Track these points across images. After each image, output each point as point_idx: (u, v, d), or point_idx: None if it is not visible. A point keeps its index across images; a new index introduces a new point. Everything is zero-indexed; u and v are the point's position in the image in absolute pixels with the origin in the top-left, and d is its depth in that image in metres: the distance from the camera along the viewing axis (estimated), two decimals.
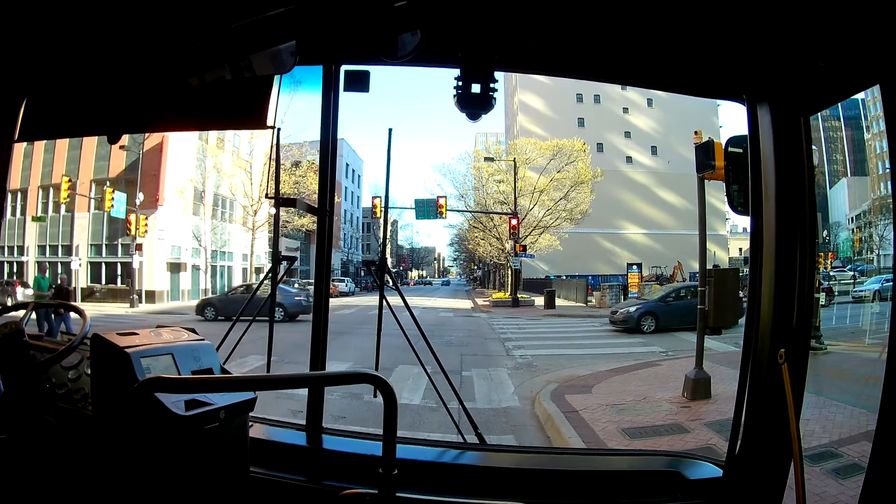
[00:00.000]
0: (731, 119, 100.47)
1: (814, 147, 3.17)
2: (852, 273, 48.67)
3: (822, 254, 39.44)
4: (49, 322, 19.37)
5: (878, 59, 2.50)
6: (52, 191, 43.90)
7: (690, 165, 14.15)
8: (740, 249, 73.35)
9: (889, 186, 78.94)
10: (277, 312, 26.82)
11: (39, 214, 44.37)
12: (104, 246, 44.45)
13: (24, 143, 31.95)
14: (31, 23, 2.70)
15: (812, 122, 3.14)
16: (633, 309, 26.48)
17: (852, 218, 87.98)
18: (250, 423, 3.34)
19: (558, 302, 42.67)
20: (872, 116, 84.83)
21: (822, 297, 24.18)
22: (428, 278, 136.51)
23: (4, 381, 2.80)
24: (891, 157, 2.44)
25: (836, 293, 34.03)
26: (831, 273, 47.78)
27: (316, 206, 3.97)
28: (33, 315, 3.71)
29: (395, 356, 10.97)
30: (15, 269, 44.55)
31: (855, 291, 34.87)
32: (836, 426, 8.95)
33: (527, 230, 51.90)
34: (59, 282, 22.64)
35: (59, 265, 44.67)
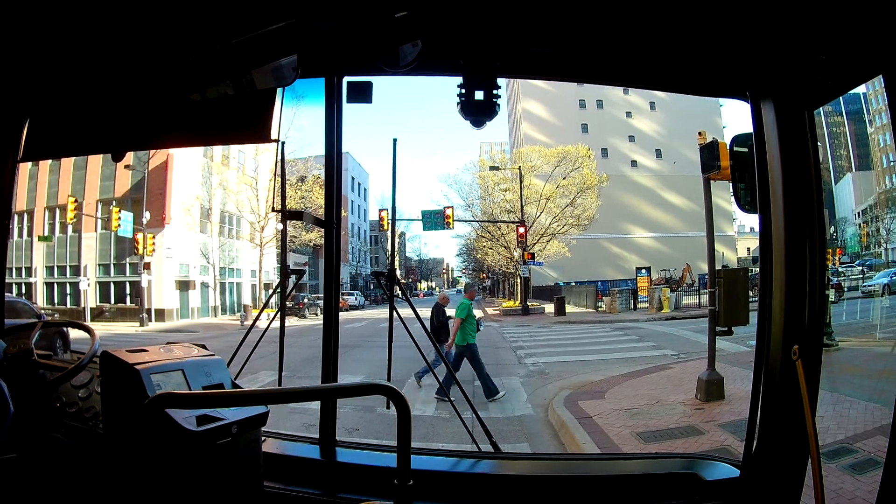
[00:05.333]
0: (734, 119, 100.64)
1: (818, 143, 3.16)
2: (861, 268, 48.55)
3: (829, 250, 39.36)
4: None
5: (881, 49, 2.50)
6: (58, 211, 44.09)
7: (695, 167, 14.14)
8: (748, 249, 73.26)
9: (895, 179, 78.98)
10: None
11: (46, 234, 44.44)
12: (112, 265, 44.54)
13: (29, 164, 32.07)
14: (32, 42, 2.71)
15: (815, 117, 3.13)
16: None
17: (859, 213, 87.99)
18: (263, 438, 3.33)
19: (568, 308, 42.60)
20: (875, 110, 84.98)
21: (831, 293, 24.10)
22: (437, 290, 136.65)
23: (14, 401, 2.79)
24: None
25: (846, 289, 33.97)
26: (840, 269, 47.67)
27: (322, 219, 3.96)
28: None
29: (408, 367, 10.98)
30: (23, 290, 44.64)
31: (864, 286, 34.82)
32: (851, 422, 8.89)
33: (534, 238, 51.88)
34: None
35: (68, 285, 44.83)
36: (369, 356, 18.86)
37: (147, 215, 38.70)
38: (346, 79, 3.70)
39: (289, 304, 34.60)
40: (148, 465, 2.75)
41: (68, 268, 45.19)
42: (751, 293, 11.41)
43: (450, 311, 15.21)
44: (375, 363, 16.34)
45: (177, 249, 43.40)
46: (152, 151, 37.10)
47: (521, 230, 44.78)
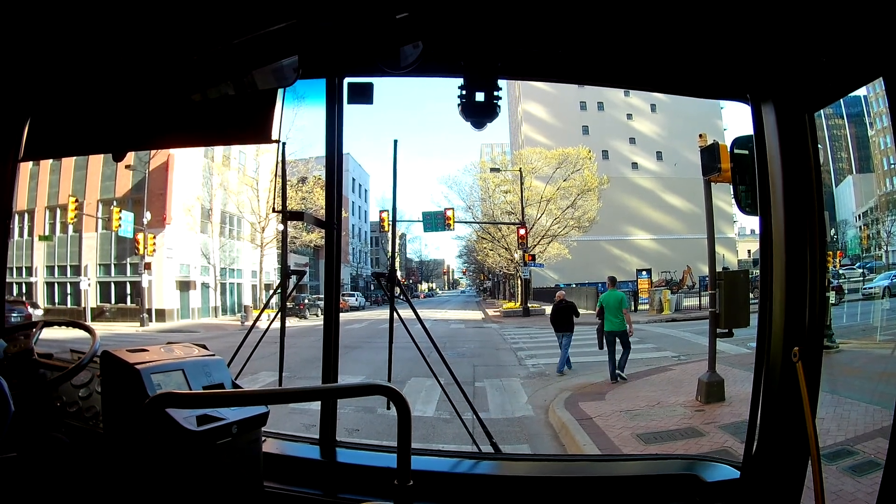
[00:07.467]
0: (735, 121, 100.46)
1: (819, 146, 3.15)
2: (861, 270, 48.43)
3: (830, 252, 39.24)
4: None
5: (881, 51, 2.49)
6: (59, 211, 44.05)
7: (696, 169, 14.15)
8: (749, 251, 73.18)
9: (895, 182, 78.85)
10: None
11: (46, 234, 44.40)
12: (113, 265, 44.50)
13: (30, 164, 32.06)
14: (34, 41, 2.70)
15: (816, 119, 3.12)
16: None
17: (859, 215, 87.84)
18: (263, 438, 3.32)
19: None
20: (875, 112, 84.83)
21: (832, 295, 24.07)
22: (438, 291, 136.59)
23: (15, 400, 2.78)
24: None
25: (846, 291, 33.93)
26: (841, 271, 47.57)
27: (323, 220, 3.95)
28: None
29: (408, 369, 10.96)
30: (24, 290, 44.60)
31: (864, 289, 34.74)
32: (851, 424, 8.88)
33: (535, 239, 51.72)
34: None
35: (69, 285, 44.80)
36: (370, 357, 18.84)
37: (148, 215, 38.70)
38: (346, 80, 3.70)
39: (289, 304, 34.62)
40: (148, 464, 2.74)
41: (69, 268, 45.15)
42: (751, 295, 11.42)
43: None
44: (376, 364, 16.32)
45: (177, 250, 43.37)
46: (153, 152, 37.13)
47: (522, 232, 44.76)
